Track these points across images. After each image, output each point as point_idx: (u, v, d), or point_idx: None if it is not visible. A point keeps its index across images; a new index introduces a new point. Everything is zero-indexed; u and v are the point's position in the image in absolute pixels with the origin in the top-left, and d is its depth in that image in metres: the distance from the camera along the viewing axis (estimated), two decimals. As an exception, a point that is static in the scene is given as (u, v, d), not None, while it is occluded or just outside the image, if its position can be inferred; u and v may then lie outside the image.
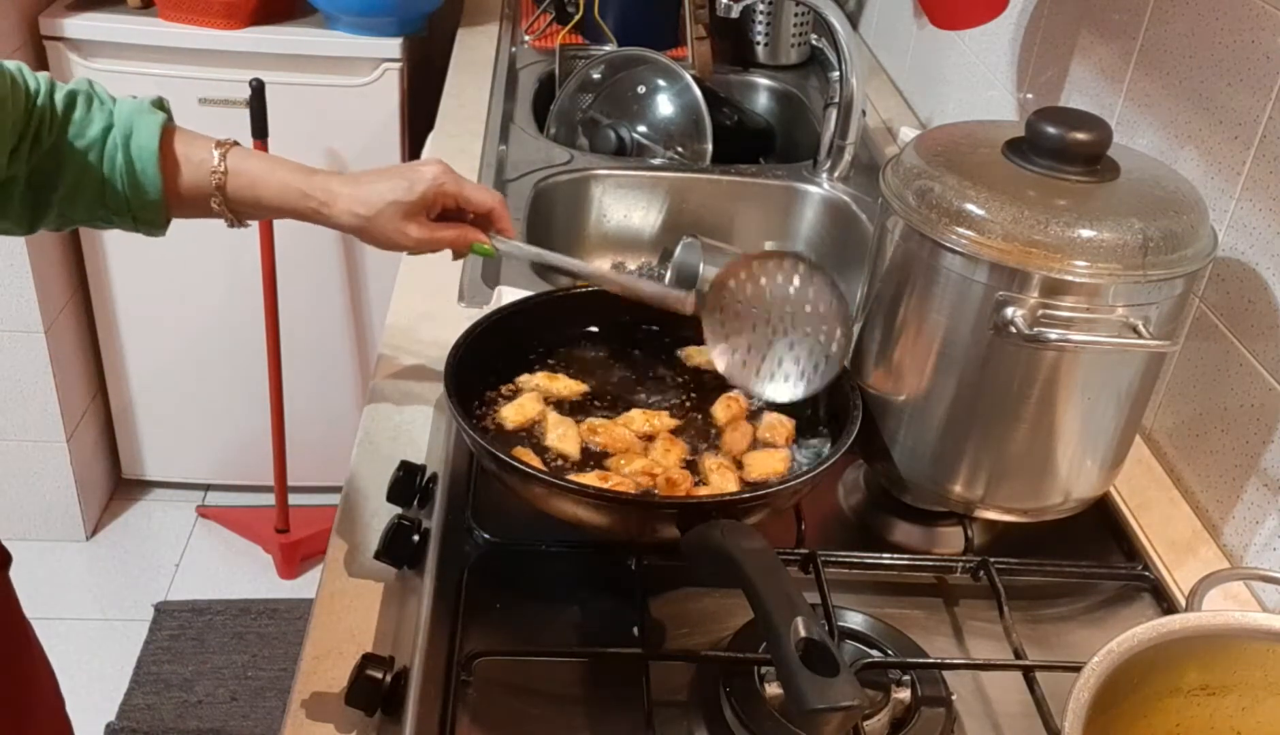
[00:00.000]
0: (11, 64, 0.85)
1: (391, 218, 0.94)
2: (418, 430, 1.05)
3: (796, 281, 0.93)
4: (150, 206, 0.90)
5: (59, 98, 0.87)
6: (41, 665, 1.18)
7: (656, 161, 1.68)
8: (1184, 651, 0.69)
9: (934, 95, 1.77)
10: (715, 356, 0.94)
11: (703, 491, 0.88)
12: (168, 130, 0.90)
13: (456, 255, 1.02)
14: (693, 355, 1.02)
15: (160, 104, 0.91)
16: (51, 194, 0.88)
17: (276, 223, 2.02)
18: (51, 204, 0.88)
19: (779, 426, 0.94)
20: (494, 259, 1.00)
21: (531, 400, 0.94)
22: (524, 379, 0.98)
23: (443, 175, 0.96)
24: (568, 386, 0.97)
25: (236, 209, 0.92)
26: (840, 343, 0.91)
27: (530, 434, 0.92)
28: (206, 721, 2.05)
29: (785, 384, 0.93)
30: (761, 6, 1.97)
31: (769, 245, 1.41)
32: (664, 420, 0.95)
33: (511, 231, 1.01)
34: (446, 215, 0.99)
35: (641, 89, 1.76)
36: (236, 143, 0.93)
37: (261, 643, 2.21)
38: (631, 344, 1.04)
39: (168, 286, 2.26)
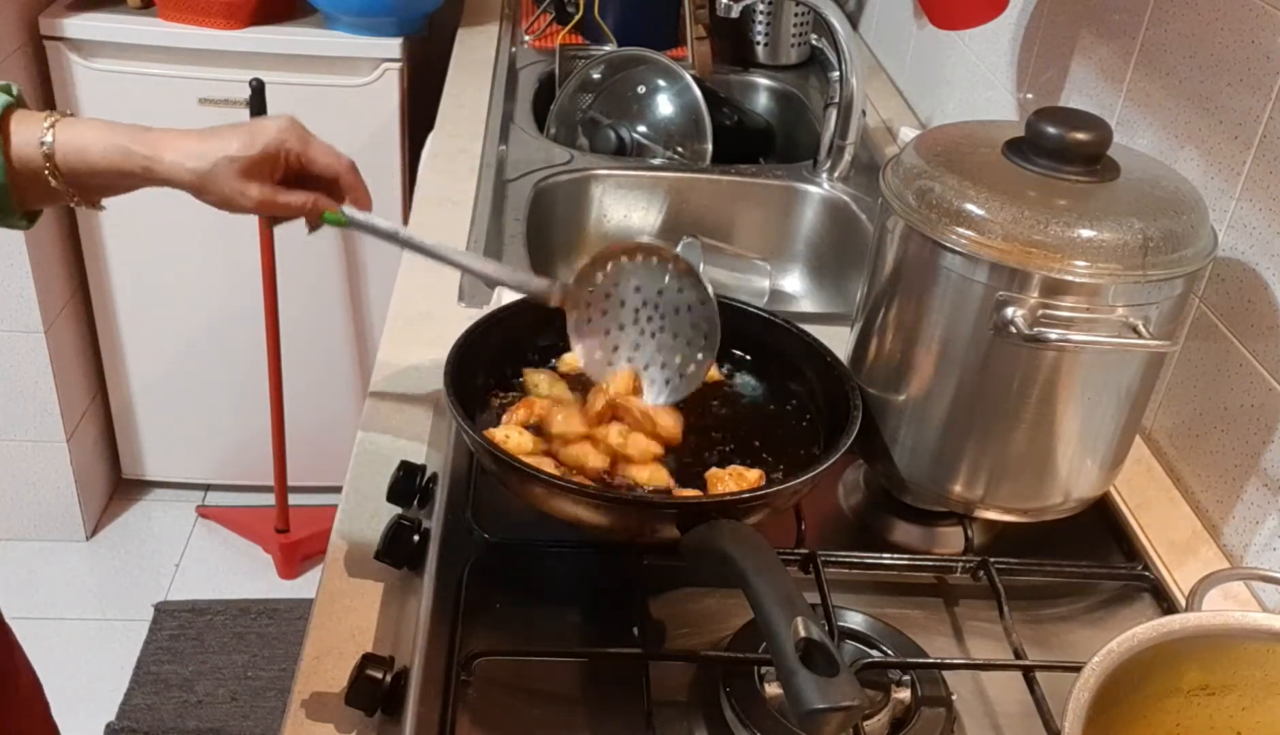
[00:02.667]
0: None
1: (229, 175, 0.87)
2: (418, 430, 1.05)
3: (666, 280, 0.90)
4: None
5: None
6: (22, 665, 1.17)
7: (656, 161, 1.68)
8: (1184, 651, 0.69)
9: (934, 95, 1.77)
10: (577, 352, 0.92)
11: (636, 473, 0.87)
12: (8, 109, 0.85)
13: (311, 227, 0.94)
14: None
15: (7, 88, 0.87)
16: None
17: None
18: None
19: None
20: (347, 229, 0.92)
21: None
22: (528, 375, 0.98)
23: (287, 131, 0.89)
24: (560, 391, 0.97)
25: (74, 181, 0.87)
26: (706, 349, 0.89)
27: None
28: (206, 721, 2.05)
29: (649, 388, 0.92)
30: (761, 6, 1.97)
31: (760, 274, 1.41)
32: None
33: (366, 200, 0.92)
34: (297, 180, 0.91)
35: (641, 89, 1.76)
36: (71, 114, 0.88)
37: (261, 643, 2.21)
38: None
39: (168, 286, 2.26)
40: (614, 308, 0.92)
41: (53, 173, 0.85)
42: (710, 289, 0.89)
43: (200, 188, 0.87)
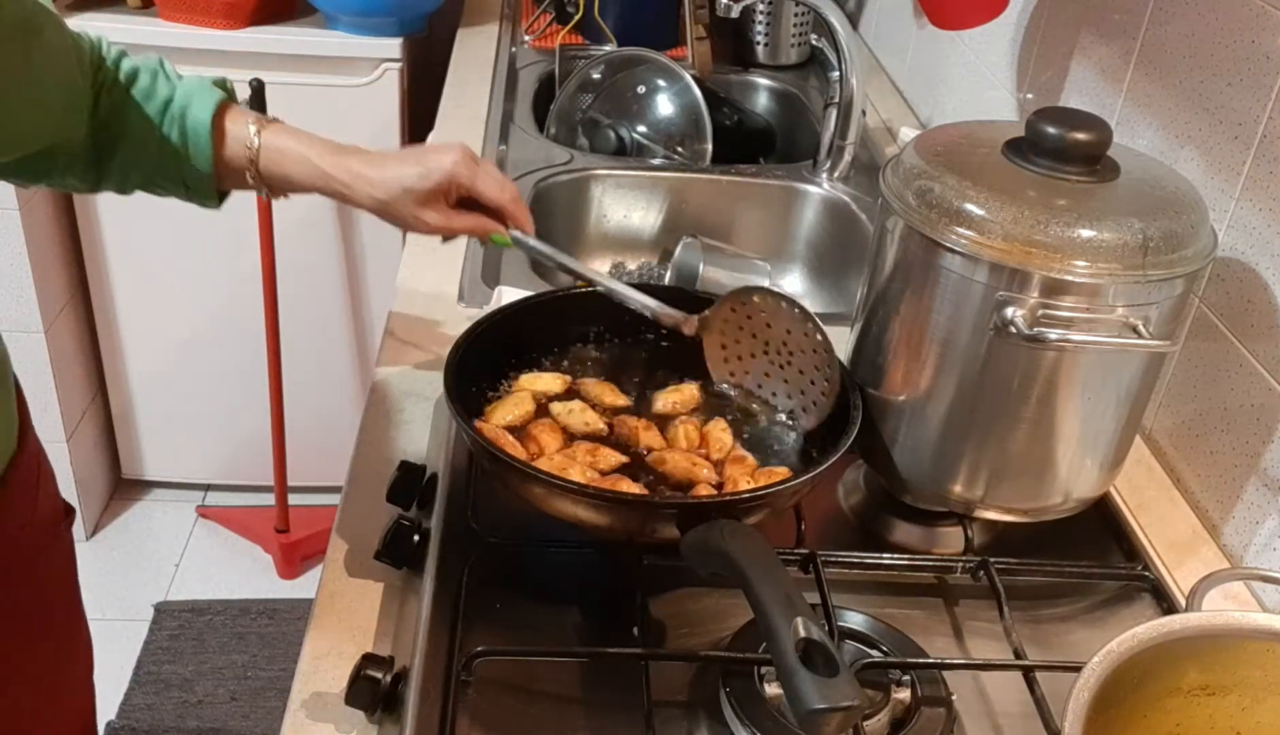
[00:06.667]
0: (92, 32, 0.96)
1: (407, 203, 0.95)
2: (418, 430, 1.05)
3: (793, 322, 0.93)
4: (201, 179, 0.94)
5: (125, 66, 0.94)
6: (83, 639, 1.20)
7: (656, 161, 1.68)
8: (1184, 651, 0.69)
9: (934, 95, 1.77)
10: (717, 381, 0.98)
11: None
12: (223, 105, 0.94)
13: (481, 240, 1.02)
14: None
15: (222, 84, 0.96)
16: (112, 157, 0.94)
17: (276, 220, 2.02)
18: (113, 167, 0.94)
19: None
20: (513, 249, 1.01)
21: (524, 399, 0.95)
22: (524, 378, 0.98)
23: (460, 165, 0.96)
24: (555, 383, 0.99)
25: (271, 183, 0.96)
26: (827, 389, 0.92)
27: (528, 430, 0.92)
28: (206, 721, 2.05)
29: (781, 412, 0.97)
30: (761, 6, 1.97)
31: (760, 274, 1.42)
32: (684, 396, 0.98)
33: (528, 226, 1.01)
34: (467, 202, 0.99)
35: (641, 89, 1.76)
36: (277, 120, 0.96)
37: (261, 643, 2.21)
38: (632, 344, 1.04)
39: (168, 287, 2.26)
40: (745, 342, 0.97)
41: (254, 174, 0.94)
42: (823, 330, 0.92)
43: (382, 213, 0.96)
